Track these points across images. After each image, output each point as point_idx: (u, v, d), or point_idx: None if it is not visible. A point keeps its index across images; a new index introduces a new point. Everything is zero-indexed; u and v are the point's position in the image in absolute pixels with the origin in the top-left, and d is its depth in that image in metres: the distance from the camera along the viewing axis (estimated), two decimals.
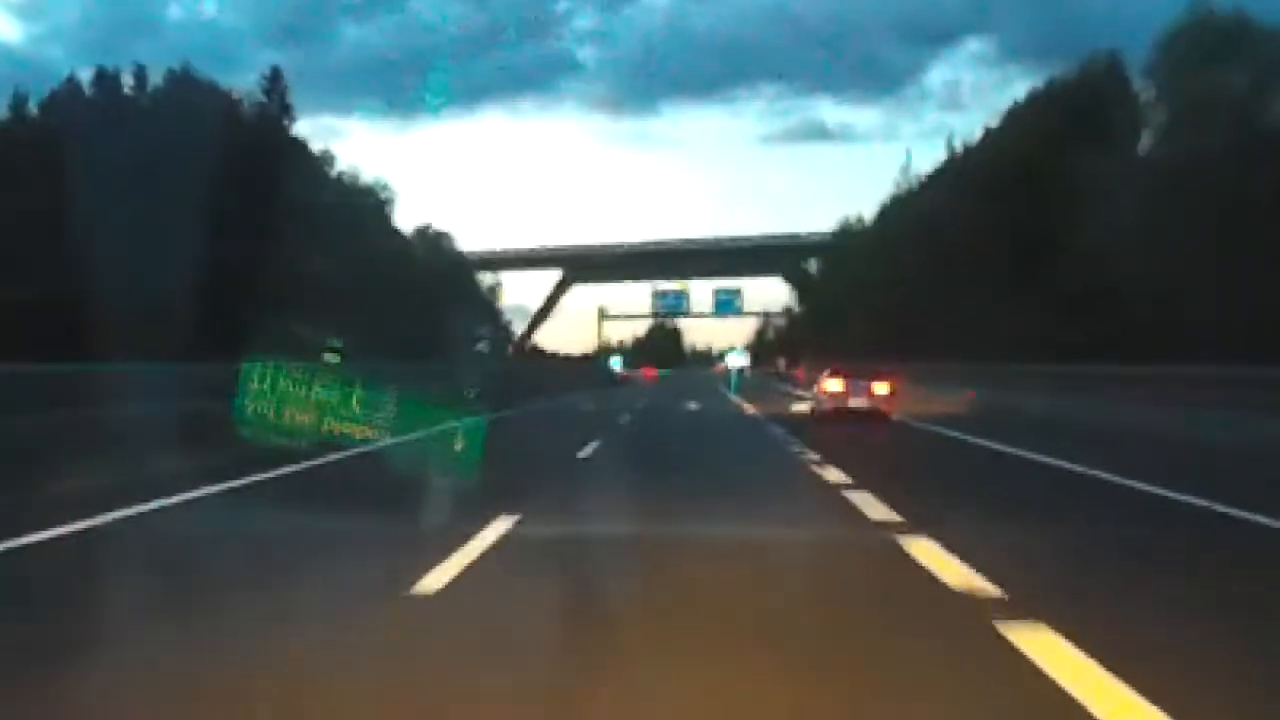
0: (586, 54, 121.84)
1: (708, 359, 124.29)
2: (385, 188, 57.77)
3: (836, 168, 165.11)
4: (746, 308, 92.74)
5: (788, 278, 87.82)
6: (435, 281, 55.95)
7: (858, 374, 20.35)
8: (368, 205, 53.72)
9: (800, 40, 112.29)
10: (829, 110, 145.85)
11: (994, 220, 37.46)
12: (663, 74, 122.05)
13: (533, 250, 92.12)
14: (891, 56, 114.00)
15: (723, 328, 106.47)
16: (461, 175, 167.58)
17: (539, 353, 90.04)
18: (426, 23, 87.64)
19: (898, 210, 56.64)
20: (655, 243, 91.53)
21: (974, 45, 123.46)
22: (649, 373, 72.89)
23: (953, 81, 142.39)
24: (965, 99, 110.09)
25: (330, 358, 20.15)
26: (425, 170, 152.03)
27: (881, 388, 19.92)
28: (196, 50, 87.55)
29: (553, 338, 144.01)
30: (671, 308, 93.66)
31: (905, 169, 61.38)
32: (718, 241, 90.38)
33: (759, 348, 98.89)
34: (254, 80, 44.14)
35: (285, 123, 43.96)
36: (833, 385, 20.26)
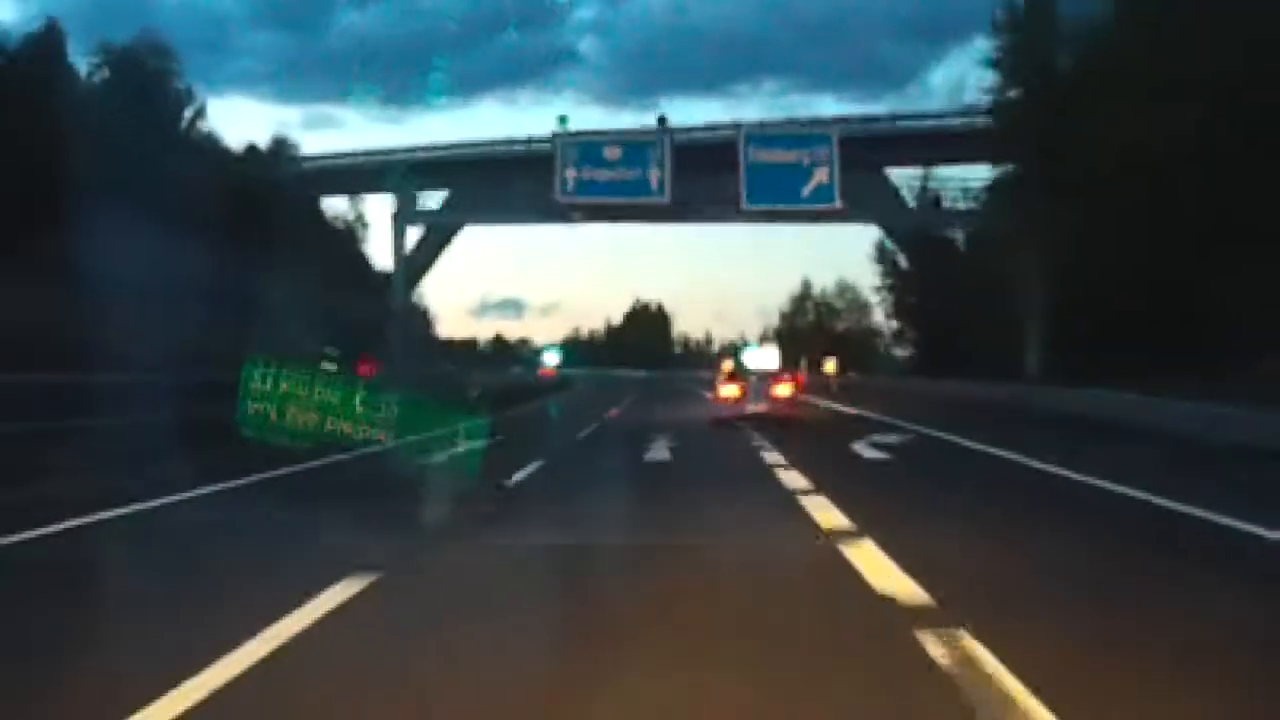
0: (586, 46, 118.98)
1: (704, 358, 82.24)
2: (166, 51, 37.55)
3: None
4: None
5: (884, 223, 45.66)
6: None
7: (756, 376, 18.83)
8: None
9: (802, 35, 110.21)
10: (830, 106, 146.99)
11: None
12: (663, 68, 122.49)
13: (371, 153, 46.98)
14: (894, 53, 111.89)
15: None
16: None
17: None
18: (425, 12, 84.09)
19: None
20: (620, 132, 39.00)
21: (978, 42, 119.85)
22: (547, 371, 57.63)
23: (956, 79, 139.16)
24: (968, 96, 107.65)
25: (328, 366, 23.82)
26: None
27: (783, 389, 18.51)
28: (189, 36, 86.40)
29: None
30: (607, 189, 36.76)
31: None
32: (736, 127, 38.33)
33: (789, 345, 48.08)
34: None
35: None
36: (728, 390, 18.81)
